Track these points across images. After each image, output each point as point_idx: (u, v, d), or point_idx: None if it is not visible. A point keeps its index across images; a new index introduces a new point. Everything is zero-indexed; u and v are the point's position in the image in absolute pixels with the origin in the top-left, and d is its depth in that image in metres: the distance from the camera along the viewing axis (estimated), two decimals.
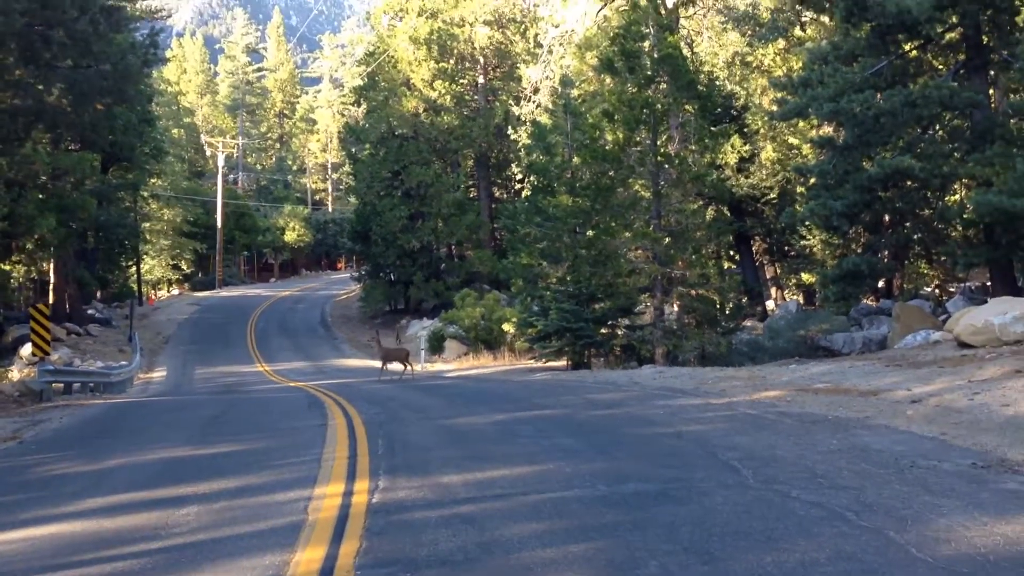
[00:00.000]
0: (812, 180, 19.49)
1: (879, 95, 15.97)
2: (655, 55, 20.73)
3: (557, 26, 36.48)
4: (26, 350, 32.65)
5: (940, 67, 17.94)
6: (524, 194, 32.64)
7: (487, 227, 48.40)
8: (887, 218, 22.46)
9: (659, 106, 20.43)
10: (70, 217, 33.88)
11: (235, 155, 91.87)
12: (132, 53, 16.73)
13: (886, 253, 20.34)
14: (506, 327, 31.97)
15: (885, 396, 10.27)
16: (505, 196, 52.86)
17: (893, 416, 9.06)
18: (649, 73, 20.82)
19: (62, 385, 18.82)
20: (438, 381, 20.61)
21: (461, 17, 48.14)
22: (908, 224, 19.37)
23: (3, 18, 13.65)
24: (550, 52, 33.55)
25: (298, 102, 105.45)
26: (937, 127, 17.70)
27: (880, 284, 24.22)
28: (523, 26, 49.28)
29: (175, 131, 79.60)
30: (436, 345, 35.43)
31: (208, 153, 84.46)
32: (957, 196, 20.19)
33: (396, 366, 21.93)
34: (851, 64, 17.64)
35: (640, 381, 15.21)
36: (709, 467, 6.98)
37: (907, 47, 16.97)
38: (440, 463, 7.55)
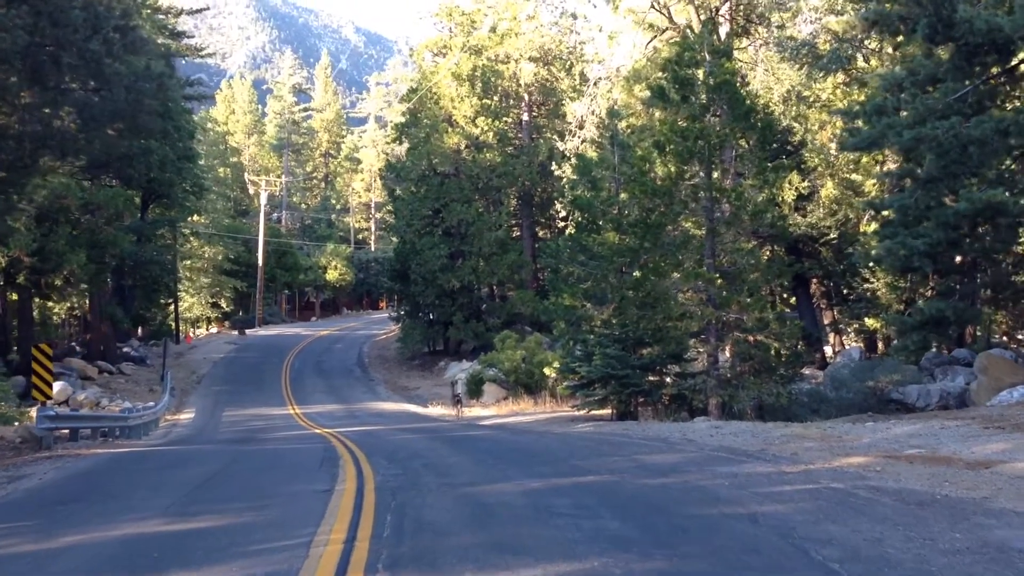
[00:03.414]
0: (889, 215, 17.71)
1: (965, 122, 14.28)
2: (710, 82, 19.22)
3: (602, 62, 35.31)
4: (54, 389, 31.78)
5: None
6: (568, 232, 31.19)
7: (529, 267, 47.03)
8: (958, 259, 20.62)
9: (714, 137, 18.88)
10: (102, 253, 33.13)
11: (279, 194, 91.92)
12: (148, 79, 15.63)
13: (967, 298, 18.41)
14: (547, 371, 30.41)
15: (999, 469, 8.52)
16: (548, 236, 51.49)
17: (1018, 498, 7.33)
18: (704, 101, 19.31)
19: (68, 431, 17.57)
20: (472, 431, 19.05)
21: (506, 54, 47.24)
22: (993, 265, 17.47)
23: (5, 35, 12.65)
24: (596, 85, 32.24)
25: (343, 142, 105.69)
26: None
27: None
28: (569, 63, 48.27)
29: (221, 170, 79.76)
30: (475, 389, 33.93)
31: (252, 192, 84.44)
32: None
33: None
34: (929, 91, 15.99)
35: (695, 438, 13.51)
36: (801, 571, 5.37)
37: (995, 70, 15.29)
38: (455, 554, 6.01)
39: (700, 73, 19.78)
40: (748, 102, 19.77)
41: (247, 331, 62.51)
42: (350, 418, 28.23)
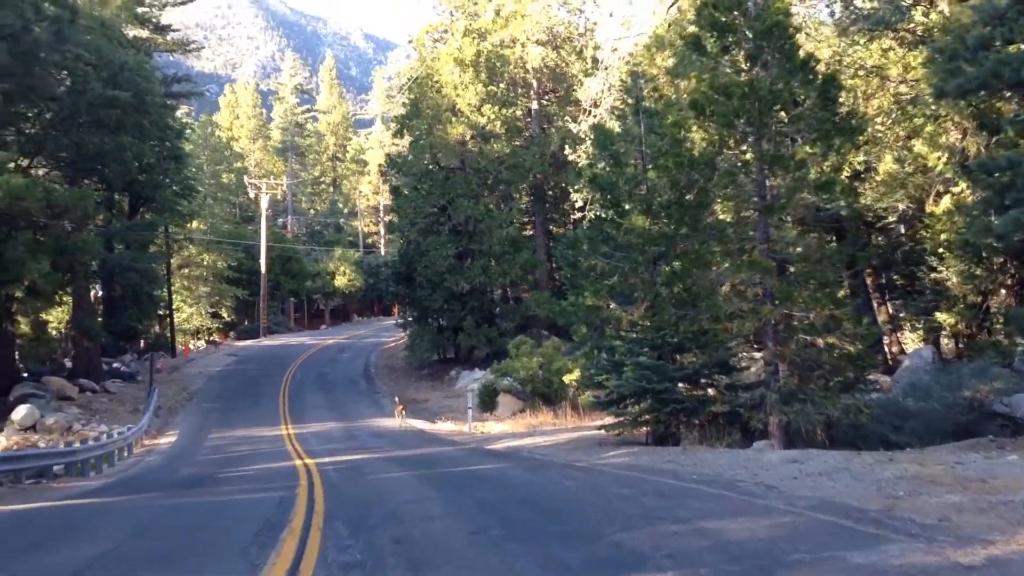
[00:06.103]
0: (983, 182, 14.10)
1: None
2: (756, 26, 15.67)
3: (615, 49, 31.76)
4: (19, 413, 28.50)
5: None
6: (587, 220, 27.63)
7: (544, 266, 43.59)
8: None
9: (766, 93, 15.28)
10: (70, 261, 29.83)
11: (284, 198, 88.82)
12: (41, 24, 12.38)
13: None
14: (567, 379, 27.00)
15: None
16: (563, 232, 48.03)
17: None
18: (750, 50, 15.75)
19: None
20: (479, 463, 15.58)
21: (511, 37, 43.76)
22: None
23: None
24: (613, 50, 28.67)
25: (350, 145, 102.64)
26: None
27: None
28: (579, 46, 44.74)
29: (225, 176, 76.84)
30: (488, 400, 30.53)
31: (254, 196, 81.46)
32: None
33: None
34: None
35: (774, 483, 9.92)
36: None
37: None
38: None
39: (742, 19, 16.21)
40: (804, 52, 16.19)
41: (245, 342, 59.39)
42: (347, 440, 24.94)
